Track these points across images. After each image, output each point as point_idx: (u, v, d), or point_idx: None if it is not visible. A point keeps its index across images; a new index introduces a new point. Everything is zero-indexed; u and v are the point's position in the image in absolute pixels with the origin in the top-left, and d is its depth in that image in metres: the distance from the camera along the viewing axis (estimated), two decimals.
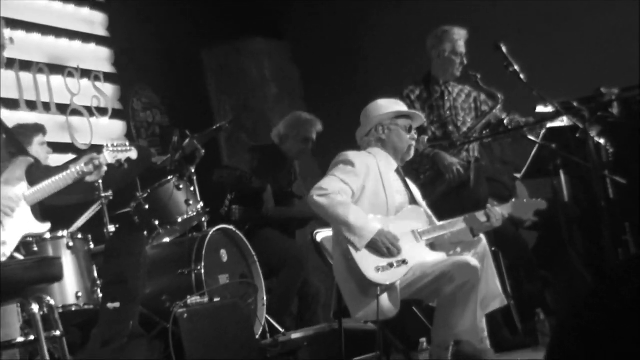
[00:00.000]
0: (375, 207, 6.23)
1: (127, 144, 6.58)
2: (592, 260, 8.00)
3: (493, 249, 6.69)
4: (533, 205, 6.68)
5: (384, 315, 6.02)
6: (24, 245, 6.61)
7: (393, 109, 6.54)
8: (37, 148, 7.60)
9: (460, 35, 7.87)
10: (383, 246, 6.06)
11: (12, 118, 8.36)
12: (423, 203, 6.60)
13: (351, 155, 6.35)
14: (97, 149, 6.42)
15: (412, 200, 6.49)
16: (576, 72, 9.21)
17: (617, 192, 7.65)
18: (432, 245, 6.37)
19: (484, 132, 7.64)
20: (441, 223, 6.41)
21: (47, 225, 6.06)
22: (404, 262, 6.12)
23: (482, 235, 6.40)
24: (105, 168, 6.27)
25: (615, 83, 7.89)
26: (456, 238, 6.41)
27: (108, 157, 6.31)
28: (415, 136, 6.58)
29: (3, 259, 5.62)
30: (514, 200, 6.66)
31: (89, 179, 6.21)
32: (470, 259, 6.13)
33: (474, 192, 7.51)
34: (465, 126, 7.79)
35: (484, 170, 7.76)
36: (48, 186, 6.00)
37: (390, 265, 6.09)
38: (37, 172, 6.03)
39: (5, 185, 5.75)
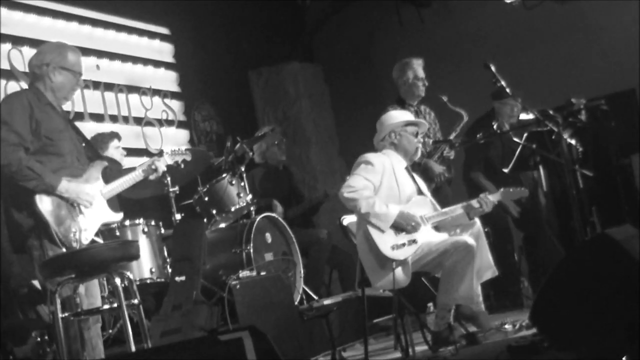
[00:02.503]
0: (390, 197, 6.28)
1: (184, 148, 6.61)
2: (565, 238, 7.96)
3: (486, 229, 6.67)
4: (517, 193, 6.69)
5: (399, 285, 6.06)
6: (108, 230, 6.66)
7: (403, 119, 6.63)
8: (112, 151, 7.61)
9: (418, 64, 8.06)
10: (406, 224, 6.11)
11: (98, 129, 8.39)
12: (428, 193, 6.62)
13: (370, 156, 6.42)
14: (161, 152, 6.46)
15: (419, 192, 6.53)
16: (551, 86, 9.15)
17: (585, 182, 7.62)
18: (437, 227, 6.39)
19: (478, 136, 7.63)
20: (443, 210, 6.43)
21: (120, 215, 6.06)
22: (414, 241, 6.16)
23: (477, 219, 6.39)
24: (163, 170, 6.29)
25: (583, 94, 7.84)
26: (455, 221, 6.44)
27: (168, 159, 6.37)
28: (422, 140, 6.65)
29: (85, 242, 5.61)
30: (502, 189, 6.63)
31: (151, 177, 6.24)
32: (467, 238, 6.14)
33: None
34: (435, 137, 7.99)
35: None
36: (119, 184, 6.02)
37: (403, 244, 6.13)
38: (110, 173, 6.04)
39: (86, 183, 5.74)
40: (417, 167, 7.41)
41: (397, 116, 6.68)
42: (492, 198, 6.46)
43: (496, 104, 8.11)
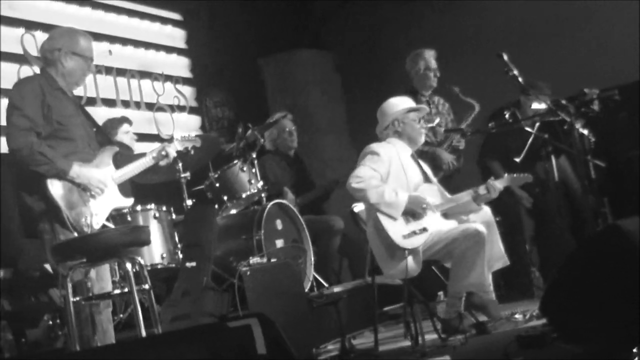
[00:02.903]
0: (398, 186, 6.29)
1: (193, 135, 6.61)
2: (576, 228, 7.94)
3: (497, 219, 6.66)
4: (522, 179, 6.72)
5: (410, 274, 6.04)
6: (119, 215, 6.67)
7: (405, 106, 6.62)
8: (121, 136, 7.61)
9: (430, 54, 8.12)
10: (417, 207, 6.12)
11: (110, 114, 8.40)
12: (434, 180, 6.63)
13: (375, 146, 6.43)
14: (171, 138, 6.47)
15: (426, 179, 6.53)
16: (563, 75, 9.11)
17: (597, 173, 7.57)
18: (445, 215, 6.40)
19: (490, 125, 7.62)
20: (451, 197, 6.43)
21: (131, 200, 6.08)
22: (425, 229, 6.17)
23: (487, 208, 6.38)
24: (173, 155, 6.29)
25: (596, 84, 7.80)
26: (463, 208, 6.47)
27: (178, 145, 6.38)
28: (425, 125, 6.66)
29: (96, 227, 5.63)
30: (506, 175, 6.64)
31: (162, 163, 6.25)
32: (478, 225, 6.16)
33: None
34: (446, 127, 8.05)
35: None
36: (130, 170, 6.04)
37: (414, 232, 6.13)
38: (121, 158, 6.06)
39: (96, 169, 5.76)
40: (425, 155, 7.42)
41: (398, 104, 6.66)
42: (498, 184, 6.50)
43: (522, 97, 8.08)
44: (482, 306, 6.29)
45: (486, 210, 6.41)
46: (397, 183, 6.31)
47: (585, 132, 7.11)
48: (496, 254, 6.23)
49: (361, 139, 7.41)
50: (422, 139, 6.67)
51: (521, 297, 7.68)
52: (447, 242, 6.16)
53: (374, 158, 6.33)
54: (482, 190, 6.43)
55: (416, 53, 8.19)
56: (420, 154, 6.89)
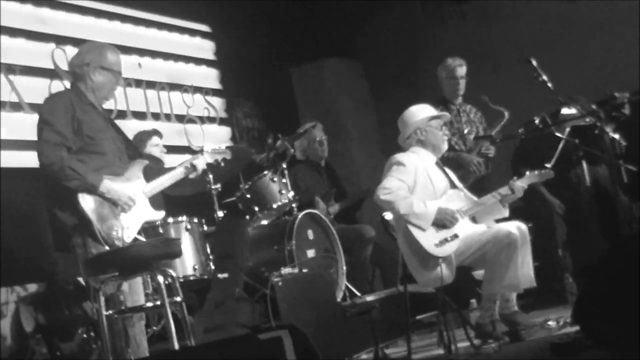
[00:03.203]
0: (425, 195, 6.26)
1: (223, 147, 6.62)
2: (609, 233, 7.90)
3: (529, 225, 6.62)
4: (544, 175, 6.70)
5: (444, 281, 6.02)
6: (152, 228, 6.71)
7: (427, 114, 6.57)
8: (151, 148, 7.66)
9: (458, 63, 8.16)
10: (446, 220, 6.09)
11: (140, 126, 8.44)
12: (460, 185, 6.61)
13: (400, 157, 6.41)
14: (202, 150, 6.49)
15: (452, 185, 6.51)
16: (594, 79, 9.07)
17: (629, 177, 7.55)
18: (474, 219, 6.37)
19: (520, 131, 7.60)
20: (477, 200, 6.41)
21: (162, 213, 6.09)
22: (456, 236, 6.14)
23: (523, 225, 6.26)
24: (202, 168, 6.31)
25: (626, 88, 7.77)
26: (490, 210, 6.41)
27: (208, 157, 6.39)
28: (447, 132, 6.66)
29: (127, 240, 5.65)
30: (527, 173, 6.60)
31: (191, 176, 6.27)
32: (510, 226, 6.12)
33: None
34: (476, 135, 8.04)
35: None
36: (160, 182, 6.05)
37: (446, 240, 6.11)
38: (151, 171, 6.07)
39: (127, 182, 5.78)
40: (451, 162, 7.41)
41: (420, 112, 6.61)
42: (520, 183, 6.46)
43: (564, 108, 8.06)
44: (510, 319, 6.25)
45: (522, 227, 6.29)
46: (424, 192, 6.28)
47: (616, 136, 7.09)
48: (525, 275, 6.15)
49: (391, 147, 7.40)
50: (446, 146, 6.65)
51: (554, 304, 7.65)
52: (480, 245, 6.13)
53: (400, 169, 6.31)
54: (506, 190, 6.41)
55: (446, 62, 8.21)
56: (446, 161, 6.87)
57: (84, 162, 5.63)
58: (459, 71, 8.10)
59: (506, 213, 6.47)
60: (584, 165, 7.63)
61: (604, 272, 4.63)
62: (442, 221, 6.11)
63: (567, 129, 7.59)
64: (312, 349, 3.81)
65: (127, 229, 5.70)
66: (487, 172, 8.03)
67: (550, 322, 6.27)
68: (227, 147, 6.67)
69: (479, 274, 6.29)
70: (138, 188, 5.87)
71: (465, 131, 7.99)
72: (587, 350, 4.80)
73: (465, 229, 6.21)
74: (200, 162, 6.30)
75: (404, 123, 6.61)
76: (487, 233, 6.18)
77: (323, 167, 8.97)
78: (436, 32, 11.17)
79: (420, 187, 6.30)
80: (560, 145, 7.68)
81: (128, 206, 5.73)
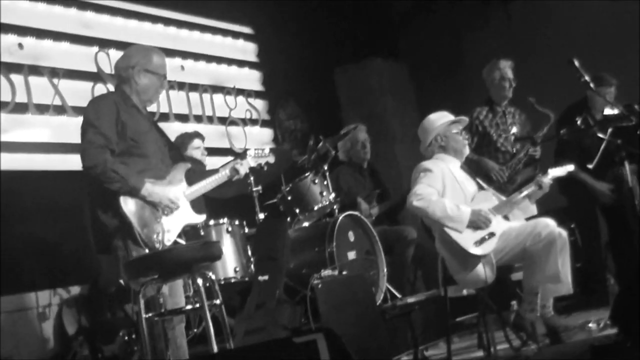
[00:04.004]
0: (455, 199, 6.26)
1: (267, 150, 6.64)
2: None
3: (572, 225, 6.58)
4: (565, 169, 6.69)
5: (487, 281, 6.02)
6: (193, 230, 6.75)
7: (445, 120, 6.59)
8: (192, 151, 7.71)
9: (505, 65, 8.08)
10: (480, 221, 6.10)
11: (182, 129, 8.51)
12: (486, 186, 6.61)
13: (427, 164, 6.48)
14: (244, 153, 6.53)
15: (480, 187, 6.51)
16: (637, 80, 9.02)
17: None
18: (506, 217, 6.39)
19: (562, 132, 7.57)
20: (506, 199, 6.42)
21: (203, 217, 6.11)
22: (493, 234, 6.15)
23: (564, 232, 6.22)
24: (245, 172, 6.35)
25: None
26: (520, 208, 6.53)
27: (251, 161, 6.44)
28: (467, 136, 6.65)
29: (168, 243, 5.69)
30: (549, 170, 6.60)
31: (234, 179, 6.30)
32: (548, 220, 6.11)
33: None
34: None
35: None
36: (203, 186, 6.09)
37: (483, 239, 6.11)
38: (194, 174, 6.11)
39: (169, 185, 5.83)
40: (472, 165, 7.39)
41: (438, 119, 6.64)
42: (545, 179, 6.47)
43: (589, 91, 8.04)
44: (549, 323, 6.22)
45: (562, 233, 6.24)
46: (454, 196, 6.31)
47: None
48: (561, 274, 6.12)
49: None
50: (467, 150, 6.68)
51: (596, 306, 7.60)
52: (518, 241, 6.12)
53: (428, 174, 6.35)
54: (533, 186, 6.44)
55: (492, 63, 8.18)
56: (469, 163, 6.89)
57: (127, 164, 5.67)
58: (510, 73, 8.07)
59: (535, 211, 6.49)
60: (627, 165, 7.57)
61: None
62: (477, 223, 6.12)
63: (610, 130, 7.55)
64: (346, 352, 3.83)
65: (168, 232, 5.74)
66: (534, 173, 7.98)
67: (590, 324, 6.24)
68: (270, 150, 6.71)
69: (517, 275, 6.28)
70: (180, 191, 5.91)
71: (511, 132, 7.97)
72: (628, 352, 4.79)
73: (500, 226, 6.21)
74: (244, 166, 6.35)
75: (423, 131, 6.67)
76: (524, 228, 6.18)
77: (366, 169, 8.98)
78: (481, 33, 11.14)
79: (450, 191, 6.33)
80: (603, 146, 7.65)
81: (169, 209, 5.78)
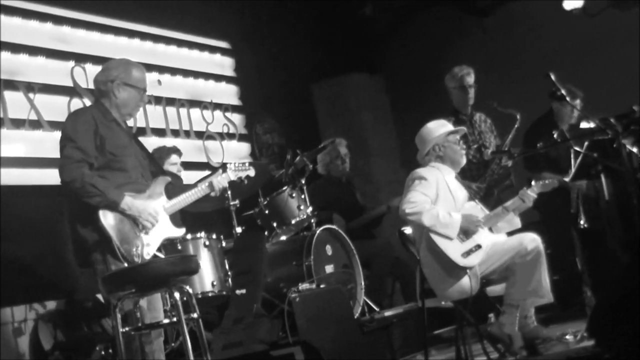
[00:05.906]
0: (447, 207, 6.27)
1: (247, 164, 6.66)
2: (628, 246, 7.88)
3: (545, 237, 6.61)
4: (550, 185, 6.66)
5: (472, 293, 6.04)
6: (170, 244, 6.74)
7: (444, 130, 6.60)
8: (169, 166, 7.70)
9: (466, 72, 8.03)
10: (471, 227, 6.18)
11: (160, 143, 8.50)
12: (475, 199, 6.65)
13: (422, 171, 6.46)
14: (224, 167, 6.52)
15: (470, 198, 6.55)
16: (612, 93, 9.09)
17: None
18: (491, 229, 6.40)
19: (539, 145, 7.61)
20: (490, 213, 6.46)
21: (182, 230, 6.10)
22: (479, 246, 6.17)
23: (538, 238, 6.27)
24: (224, 187, 6.36)
25: None
26: (504, 221, 6.47)
27: (231, 175, 6.46)
28: (465, 146, 6.68)
29: (147, 257, 5.68)
30: (534, 182, 6.62)
31: (212, 194, 6.31)
32: (534, 235, 6.17)
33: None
34: (491, 145, 7.94)
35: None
36: (182, 200, 6.09)
37: (471, 250, 6.14)
38: (173, 188, 6.11)
39: (149, 199, 5.83)
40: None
41: (437, 128, 6.65)
42: (530, 192, 6.49)
43: (555, 104, 8.10)
44: (530, 335, 6.24)
45: (537, 241, 6.30)
46: (446, 205, 6.32)
47: (635, 149, 7.08)
48: (543, 289, 6.16)
49: (411, 162, 7.46)
50: (464, 160, 6.69)
51: (573, 318, 7.63)
52: (502, 254, 6.17)
53: (423, 182, 6.35)
54: (517, 201, 6.45)
55: (452, 71, 8.14)
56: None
57: (106, 178, 5.66)
58: (467, 80, 8.02)
59: (519, 224, 6.51)
60: (603, 178, 7.63)
61: (621, 285, 4.63)
62: (468, 228, 6.15)
63: (586, 143, 7.61)
64: None
65: (147, 246, 5.74)
66: (510, 183, 7.99)
67: (568, 336, 6.27)
68: (250, 164, 6.71)
69: (492, 290, 6.31)
70: (159, 205, 5.91)
71: (480, 142, 7.95)
72: None
73: (486, 239, 6.25)
74: (224, 179, 6.36)
75: (422, 140, 6.66)
76: (510, 242, 6.24)
77: (344, 183, 9.00)
78: (458, 47, 11.19)
79: (442, 200, 6.34)
80: (579, 159, 7.71)
81: (149, 223, 5.78)
